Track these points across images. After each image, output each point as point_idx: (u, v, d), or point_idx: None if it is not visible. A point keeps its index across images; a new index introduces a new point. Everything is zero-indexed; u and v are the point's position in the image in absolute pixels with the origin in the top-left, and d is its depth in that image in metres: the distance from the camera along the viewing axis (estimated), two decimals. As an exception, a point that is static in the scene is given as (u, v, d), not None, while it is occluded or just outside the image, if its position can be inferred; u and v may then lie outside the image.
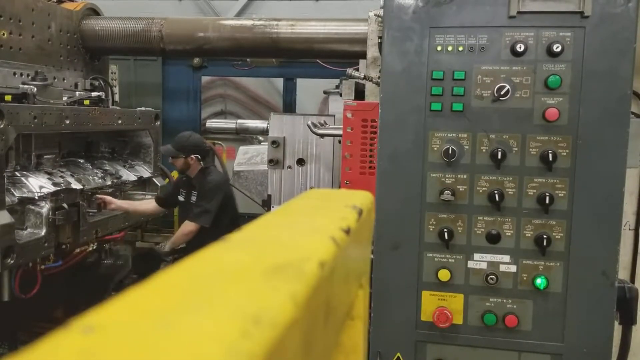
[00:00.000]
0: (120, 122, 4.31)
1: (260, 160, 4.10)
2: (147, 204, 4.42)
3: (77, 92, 4.24)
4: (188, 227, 4.03)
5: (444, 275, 1.79)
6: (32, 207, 3.42)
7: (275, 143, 3.56)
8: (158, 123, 4.80)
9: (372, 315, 1.82)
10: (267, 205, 3.65)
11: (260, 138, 5.33)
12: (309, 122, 3.08)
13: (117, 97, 5.19)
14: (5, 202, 3.17)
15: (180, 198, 4.30)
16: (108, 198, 4.10)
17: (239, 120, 4.55)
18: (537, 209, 1.73)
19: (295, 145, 3.56)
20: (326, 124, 3.21)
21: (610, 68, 1.66)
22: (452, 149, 1.74)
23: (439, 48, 1.75)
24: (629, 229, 2.37)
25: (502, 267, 1.77)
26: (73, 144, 4.33)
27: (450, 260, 1.80)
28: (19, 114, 3.24)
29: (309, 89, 6.93)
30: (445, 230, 1.77)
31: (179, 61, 6.65)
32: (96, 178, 4.14)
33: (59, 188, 3.56)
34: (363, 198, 0.77)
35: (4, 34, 3.66)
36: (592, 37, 1.66)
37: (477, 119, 1.74)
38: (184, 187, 4.27)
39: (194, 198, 4.15)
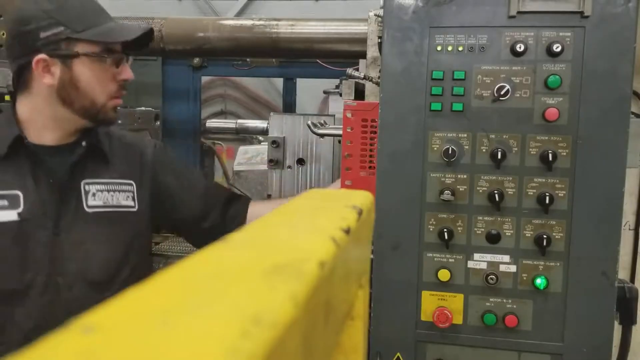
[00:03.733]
0: (120, 122, 4.29)
1: (260, 160, 4.10)
2: None
3: (77, 92, 4.24)
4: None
5: (444, 275, 1.79)
6: (32, 207, 3.42)
7: (275, 143, 3.56)
8: (158, 123, 4.78)
9: (372, 315, 1.82)
10: (267, 205, 3.64)
11: (260, 138, 5.32)
12: (309, 122, 3.08)
13: (117, 97, 5.17)
14: (5, 202, 3.16)
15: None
16: None
17: (239, 120, 4.54)
18: (537, 209, 1.73)
19: (295, 145, 3.56)
20: (326, 124, 3.20)
21: (610, 68, 1.66)
22: (452, 149, 1.74)
23: (438, 48, 1.75)
24: (629, 229, 2.37)
25: (502, 267, 1.77)
26: (73, 144, 4.31)
27: (450, 260, 1.80)
28: (19, 114, 3.24)
29: (309, 89, 6.91)
30: (445, 230, 1.77)
31: (179, 61, 6.64)
32: (96, 178, 4.13)
33: (59, 188, 3.54)
34: (363, 198, 0.77)
35: (3, 34, 3.66)
36: (592, 37, 1.66)
37: (477, 119, 1.74)
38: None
39: (127, 189, 1.80)
